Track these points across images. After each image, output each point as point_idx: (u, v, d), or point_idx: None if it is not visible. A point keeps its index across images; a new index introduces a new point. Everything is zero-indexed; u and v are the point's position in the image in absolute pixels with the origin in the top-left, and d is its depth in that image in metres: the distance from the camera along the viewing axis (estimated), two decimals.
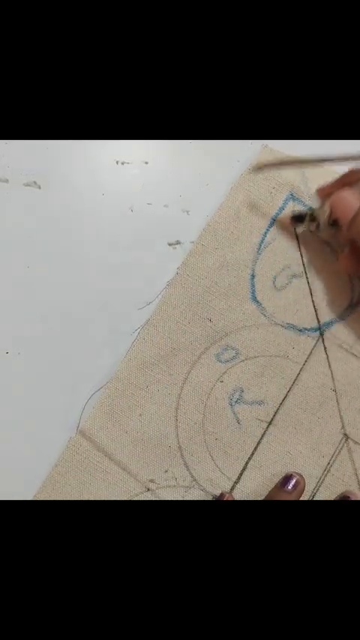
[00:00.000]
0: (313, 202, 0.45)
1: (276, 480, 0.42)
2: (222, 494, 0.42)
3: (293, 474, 0.42)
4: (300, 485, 0.41)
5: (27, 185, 0.46)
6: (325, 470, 0.43)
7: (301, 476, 0.41)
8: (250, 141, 0.46)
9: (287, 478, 0.41)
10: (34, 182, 0.46)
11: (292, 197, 0.45)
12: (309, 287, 0.44)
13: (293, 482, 0.41)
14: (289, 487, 0.41)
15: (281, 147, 0.46)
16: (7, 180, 0.46)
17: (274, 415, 0.43)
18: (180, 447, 0.43)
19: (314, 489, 0.43)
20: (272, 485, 0.42)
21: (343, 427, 0.43)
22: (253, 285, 0.44)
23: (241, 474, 0.43)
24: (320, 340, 0.44)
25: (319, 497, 0.43)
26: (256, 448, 0.43)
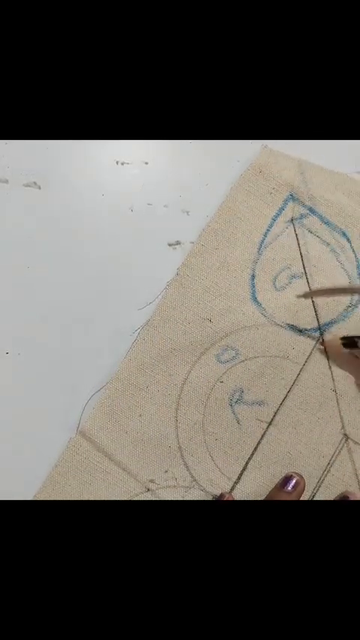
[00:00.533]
0: (313, 203, 0.45)
1: (276, 480, 0.42)
2: (222, 495, 0.42)
3: (293, 474, 0.41)
4: (300, 486, 0.41)
5: (27, 185, 0.46)
6: (325, 470, 0.43)
7: (301, 476, 0.41)
8: (250, 141, 0.46)
9: (287, 479, 0.41)
10: (34, 182, 0.46)
11: (292, 197, 0.45)
12: (309, 287, 0.44)
13: (293, 482, 0.41)
14: (289, 488, 0.41)
15: (281, 147, 0.46)
16: (7, 181, 0.46)
17: (274, 415, 0.43)
18: (180, 448, 0.43)
19: (314, 489, 0.43)
20: (272, 486, 0.42)
21: (343, 427, 0.43)
22: (253, 286, 0.44)
23: (241, 474, 0.43)
24: (320, 340, 0.44)
25: (319, 497, 0.43)
26: (256, 448, 0.43)
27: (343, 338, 0.42)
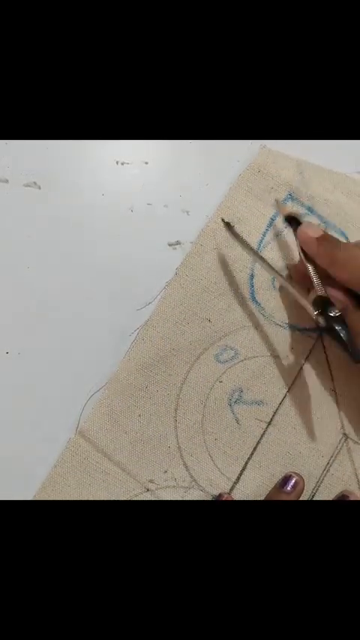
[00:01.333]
0: (312, 203, 0.45)
1: (275, 480, 0.42)
2: (220, 495, 0.42)
3: (292, 474, 0.41)
4: (299, 486, 0.41)
5: (27, 185, 0.46)
6: (324, 470, 0.43)
7: (300, 476, 0.41)
8: (250, 141, 0.46)
9: (286, 479, 0.41)
10: (34, 182, 0.46)
11: (291, 197, 0.45)
12: (309, 287, 0.44)
13: (292, 482, 0.41)
14: (289, 488, 0.41)
15: (280, 147, 0.46)
16: (7, 181, 0.46)
17: (274, 415, 0.43)
18: (179, 448, 0.43)
19: (314, 489, 0.43)
20: (272, 486, 0.42)
21: (342, 427, 0.43)
22: (252, 285, 0.44)
23: (240, 475, 0.43)
24: (320, 340, 0.44)
25: (318, 497, 0.43)
26: (255, 448, 0.43)
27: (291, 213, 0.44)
